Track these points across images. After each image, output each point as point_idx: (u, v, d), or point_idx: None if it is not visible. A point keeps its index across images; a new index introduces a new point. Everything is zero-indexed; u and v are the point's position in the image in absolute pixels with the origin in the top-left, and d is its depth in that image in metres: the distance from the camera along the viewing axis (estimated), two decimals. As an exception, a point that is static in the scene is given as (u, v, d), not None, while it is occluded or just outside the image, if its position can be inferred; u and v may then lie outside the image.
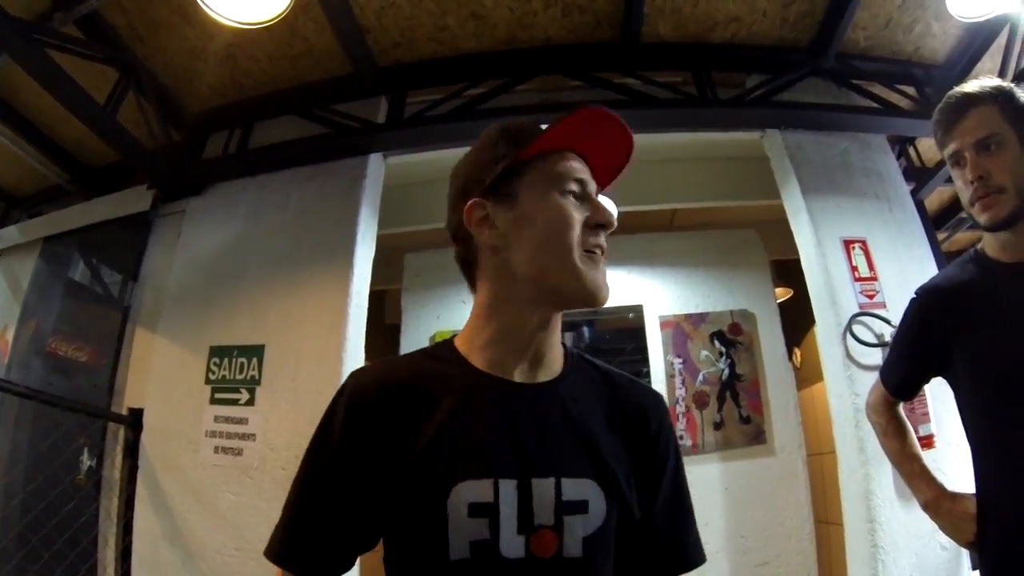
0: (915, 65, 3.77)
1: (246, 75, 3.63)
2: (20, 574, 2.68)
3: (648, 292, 4.50)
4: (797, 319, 4.16)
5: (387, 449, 0.88)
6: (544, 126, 0.98)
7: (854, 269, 3.28)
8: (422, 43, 3.49)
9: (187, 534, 2.92)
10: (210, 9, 2.52)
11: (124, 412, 3.22)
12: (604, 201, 1.00)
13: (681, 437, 4.02)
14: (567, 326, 4.14)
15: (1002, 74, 3.49)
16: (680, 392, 4.13)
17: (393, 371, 0.98)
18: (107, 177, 4.34)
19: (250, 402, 3.05)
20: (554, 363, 0.99)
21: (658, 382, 4.14)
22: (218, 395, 3.10)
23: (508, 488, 0.85)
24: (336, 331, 3.07)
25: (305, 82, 3.70)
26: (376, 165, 3.51)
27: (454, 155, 3.23)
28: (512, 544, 0.83)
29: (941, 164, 4.01)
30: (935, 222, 6.30)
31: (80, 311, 3.98)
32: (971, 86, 1.45)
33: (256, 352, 3.12)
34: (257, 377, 3.08)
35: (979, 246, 1.55)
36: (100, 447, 3.18)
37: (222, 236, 3.51)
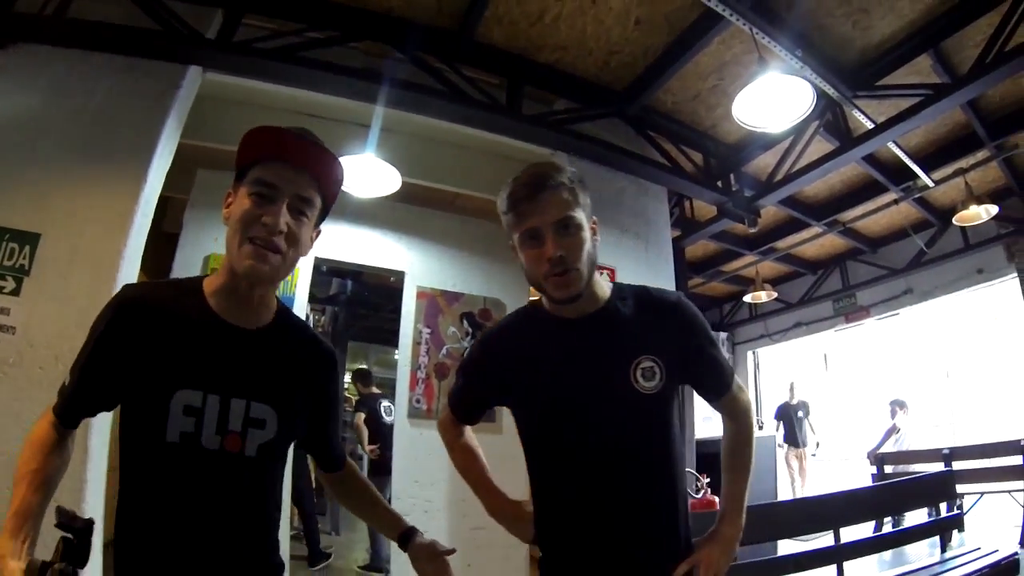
0: (708, 138, 4.29)
1: (84, -67, 3.40)
2: None
3: (412, 261, 4.83)
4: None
5: (131, 352, 1.26)
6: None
7: (594, 289, 3.82)
8: (273, -29, 3.49)
9: None
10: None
11: None
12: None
13: (418, 401, 4.51)
14: (333, 272, 4.33)
15: (776, 170, 4.09)
16: (423, 360, 4.57)
17: (151, 295, 1.35)
18: None
19: (15, 292, 2.97)
20: (265, 315, 1.39)
21: (404, 347, 4.56)
22: None
23: (213, 400, 1.26)
24: (119, 235, 3.12)
25: (144, -36, 3.54)
26: (193, 77, 3.52)
27: (271, 88, 3.34)
28: (211, 440, 1.25)
29: (711, 221, 4.64)
30: (696, 268, 7.20)
31: None
32: (547, 169, 1.53)
33: (31, 240, 3.04)
34: (27, 267, 3.00)
35: (537, 299, 1.68)
36: None
37: (16, 103, 3.31)
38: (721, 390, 1.67)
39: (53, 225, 3.11)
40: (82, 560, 1.10)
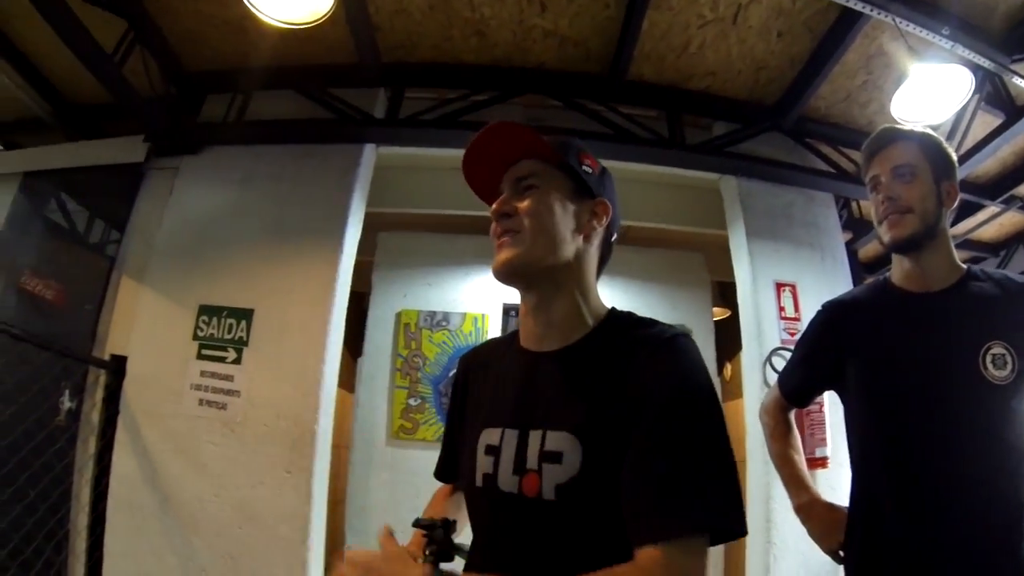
0: (866, 136, 4.19)
1: (252, 46, 3.71)
2: (5, 509, 2.81)
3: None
4: (732, 337, 4.56)
5: (465, 406, 1.25)
6: None
7: (781, 309, 3.73)
8: (425, 49, 3.75)
9: (165, 479, 3.11)
10: (258, 11, 2.69)
11: (107, 358, 3.35)
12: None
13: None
14: (518, 311, 4.40)
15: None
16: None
17: (480, 351, 1.35)
18: (91, 117, 4.37)
19: (237, 361, 3.26)
20: (568, 333, 1.10)
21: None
22: (205, 351, 3.29)
23: (511, 436, 1.04)
24: (323, 303, 3.33)
25: (309, 63, 3.87)
26: (369, 154, 3.77)
27: (437, 152, 3.56)
28: (508, 481, 1.02)
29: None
30: (869, 268, 6.87)
31: (58, 252, 4.04)
32: (896, 127, 1.60)
33: (245, 315, 3.33)
34: (245, 338, 3.29)
35: (888, 274, 1.63)
36: (81, 391, 3.31)
37: (216, 198, 3.67)
38: None
39: (263, 299, 3.38)
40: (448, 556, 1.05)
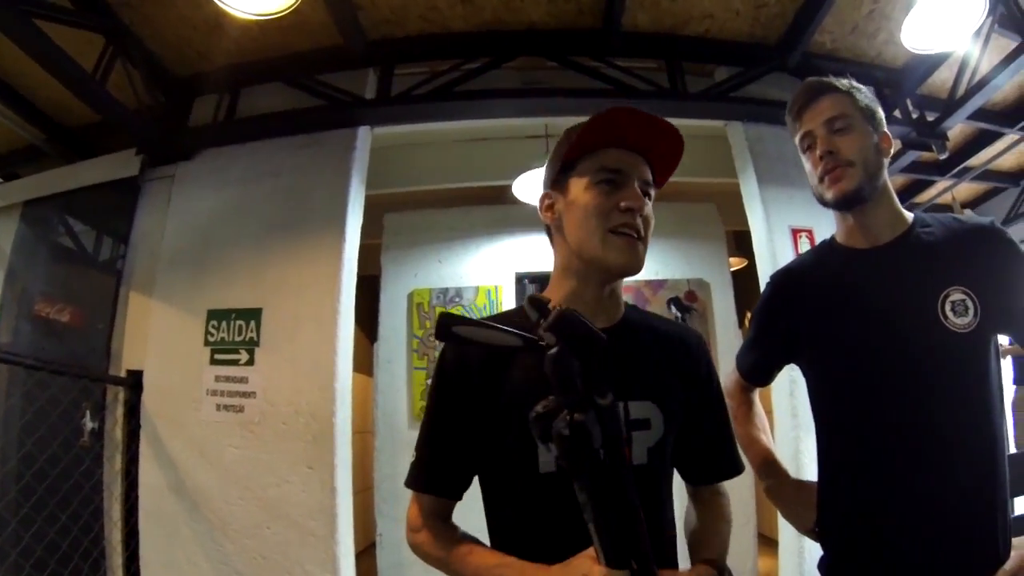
0: (876, 68, 4.02)
1: (234, 43, 3.64)
2: (40, 535, 2.81)
3: (612, 258, 4.77)
4: (751, 287, 4.45)
5: (479, 392, 1.13)
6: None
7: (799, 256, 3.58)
8: (412, 21, 3.62)
9: (191, 486, 3.11)
10: (228, 6, 2.60)
11: (123, 374, 3.35)
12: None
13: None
14: (535, 281, 4.42)
15: (957, 83, 3.80)
16: (638, 351, 4.42)
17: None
18: (85, 138, 4.34)
19: (250, 362, 3.22)
20: (614, 313, 1.24)
21: (618, 342, 4.50)
22: (218, 356, 3.26)
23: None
24: (330, 293, 3.26)
25: (293, 51, 3.77)
26: (364, 136, 3.67)
27: (435, 127, 3.45)
28: None
29: (896, 155, 4.31)
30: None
31: (67, 274, 4.03)
32: (823, 79, 1.51)
33: (254, 315, 3.28)
34: (256, 339, 3.24)
35: (833, 234, 1.57)
36: (102, 409, 3.31)
37: (215, 201, 3.61)
38: None
39: (272, 298, 3.33)
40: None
